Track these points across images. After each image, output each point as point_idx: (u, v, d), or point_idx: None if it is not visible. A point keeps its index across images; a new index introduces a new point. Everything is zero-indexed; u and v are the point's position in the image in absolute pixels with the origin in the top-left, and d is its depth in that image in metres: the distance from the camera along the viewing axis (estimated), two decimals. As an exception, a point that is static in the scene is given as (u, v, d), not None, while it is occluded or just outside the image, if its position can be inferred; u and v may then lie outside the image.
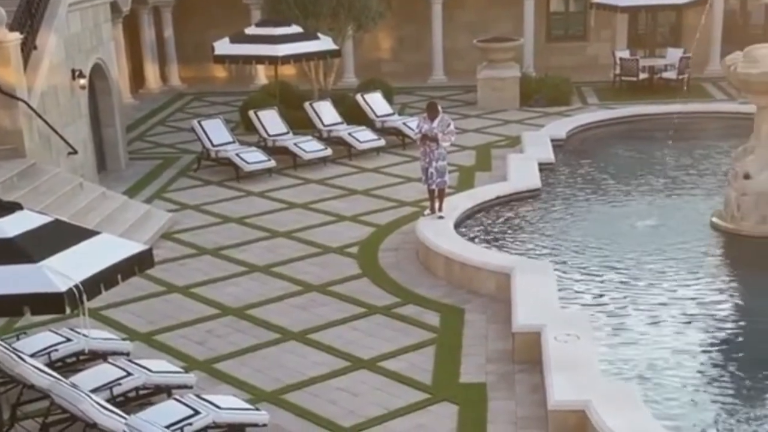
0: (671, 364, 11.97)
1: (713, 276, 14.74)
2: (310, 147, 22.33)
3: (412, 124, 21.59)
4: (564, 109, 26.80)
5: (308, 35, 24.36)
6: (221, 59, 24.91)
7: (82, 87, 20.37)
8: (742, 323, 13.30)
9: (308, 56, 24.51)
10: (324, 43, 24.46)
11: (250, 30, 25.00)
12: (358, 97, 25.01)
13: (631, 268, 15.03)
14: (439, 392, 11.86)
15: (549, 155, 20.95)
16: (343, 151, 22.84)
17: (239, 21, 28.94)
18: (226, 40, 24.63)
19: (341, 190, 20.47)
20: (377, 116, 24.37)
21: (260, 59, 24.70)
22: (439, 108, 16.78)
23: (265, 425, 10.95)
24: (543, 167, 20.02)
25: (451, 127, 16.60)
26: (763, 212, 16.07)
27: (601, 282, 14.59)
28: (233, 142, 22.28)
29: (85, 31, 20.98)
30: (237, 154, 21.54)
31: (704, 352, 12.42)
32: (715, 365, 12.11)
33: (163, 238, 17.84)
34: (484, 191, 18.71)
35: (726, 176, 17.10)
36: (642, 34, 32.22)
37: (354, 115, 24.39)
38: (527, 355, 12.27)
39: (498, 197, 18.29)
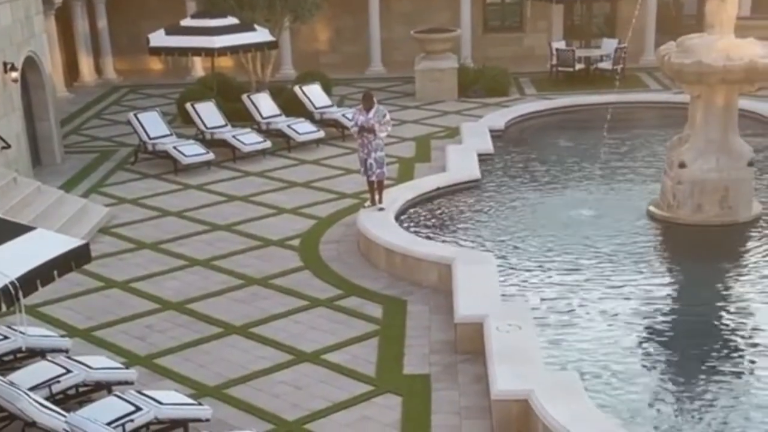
0: (612, 353, 12.08)
1: (651, 264, 14.91)
2: (248, 139, 22.19)
3: (350, 115, 21.52)
4: (502, 100, 26.94)
5: (245, 27, 24.20)
6: (157, 51, 24.64)
7: (14, 80, 19.99)
8: (680, 310, 13.52)
9: (245, 48, 24.33)
10: (261, 34, 24.31)
11: (186, 21, 24.79)
12: (297, 89, 24.91)
13: (571, 257, 15.16)
14: (383, 384, 11.87)
15: (488, 146, 21.05)
16: (282, 143, 22.72)
17: (174, 12, 28.66)
18: (162, 31, 24.37)
19: (281, 182, 20.36)
20: (316, 108, 24.28)
21: (196, 51, 24.46)
22: (374, 99, 16.74)
23: (208, 420, 10.86)
24: (482, 158, 20.12)
25: (387, 117, 16.59)
26: (698, 200, 16.28)
27: (542, 272, 14.69)
28: (170, 134, 22.05)
29: (16, 24, 20.58)
30: (175, 147, 21.32)
31: (644, 339, 12.57)
32: (654, 352, 12.26)
33: (101, 233, 17.60)
34: (424, 182, 18.74)
35: (662, 165, 17.29)
36: (578, 24, 32.48)
37: (292, 107, 24.28)
38: (470, 345, 12.32)
39: (438, 188, 18.34)
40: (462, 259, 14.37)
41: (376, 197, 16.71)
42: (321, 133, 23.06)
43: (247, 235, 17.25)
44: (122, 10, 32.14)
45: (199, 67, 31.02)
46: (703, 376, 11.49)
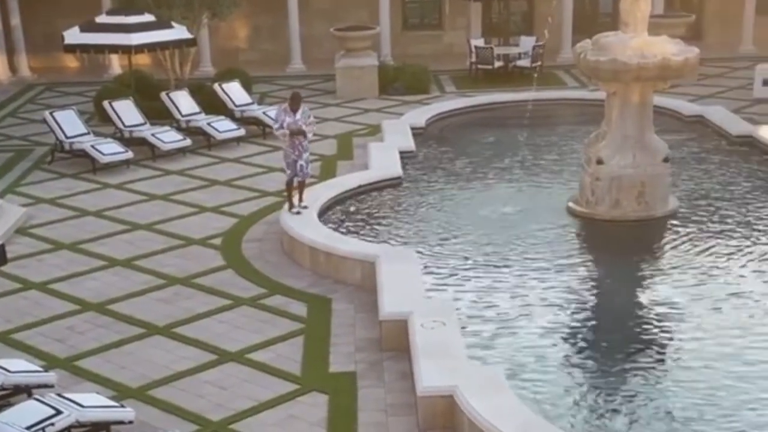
0: (534, 347, 12.25)
1: (570, 260, 15.11)
2: (168, 138, 21.94)
3: (272, 114, 21.41)
4: (423, 98, 27.05)
5: (162, 24, 23.90)
6: (72, 49, 24.22)
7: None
8: (600, 305, 13.76)
9: (162, 45, 24.07)
10: (178, 31, 24.06)
11: (101, 18, 24.38)
12: (216, 86, 24.70)
13: (493, 253, 15.33)
14: (309, 382, 11.86)
15: (409, 143, 21.15)
16: (202, 141, 22.52)
17: (90, 9, 28.13)
18: (77, 29, 23.94)
19: (202, 180, 20.19)
20: (236, 106, 24.12)
21: (113, 48, 24.02)
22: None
23: (131, 422, 10.74)
24: (404, 155, 20.20)
25: (311, 118, 16.55)
26: (615, 196, 16.55)
27: (465, 268, 14.82)
28: (88, 133, 21.67)
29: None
30: (92, 146, 20.98)
31: (564, 334, 12.75)
32: (575, 346, 12.45)
33: (18, 234, 17.26)
34: (347, 180, 18.75)
35: (581, 162, 17.55)
36: (496, 22, 32.77)
37: (212, 104, 24.07)
38: (395, 342, 12.37)
39: (360, 186, 18.36)
40: (386, 256, 14.42)
41: (295, 200, 16.55)
42: (242, 131, 22.91)
43: (169, 234, 17.08)
44: (36, 7, 31.48)
45: (116, 64, 30.54)
46: (622, 368, 11.72)
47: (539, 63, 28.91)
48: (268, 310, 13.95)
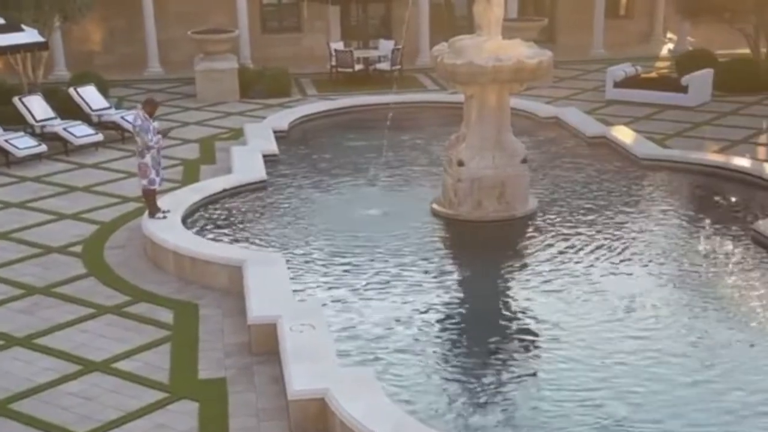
0: (404, 347, 12.37)
1: (435, 261, 15.32)
2: (22, 143, 21.27)
3: (130, 118, 21.01)
4: (284, 101, 27.03)
5: (11, 27, 23.12)
6: None
7: None
8: (465, 303, 13.97)
9: (12, 49, 23.35)
10: (29, 35, 23.34)
11: (-53, 21, 23.53)
12: (71, 90, 24.10)
13: (360, 256, 15.42)
14: (178, 390, 11.68)
15: (272, 146, 21.11)
16: (59, 146, 21.94)
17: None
18: (-77, 31, 23.02)
19: (60, 187, 19.67)
20: (93, 110, 23.57)
21: (-39, 52, 23.26)
22: None
23: (-7, 438, 10.44)
24: (267, 159, 20.15)
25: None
26: (477, 197, 16.86)
27: (332, 270, 14.86)
28: (-62, 140, 20.91)
29: None
30: (-58, 153, 20.25)
31: (433, 332, 12.90)
32: (444, 344, 12.64)
33: None
34: (210, 184, 18.57)
35: (442, 164, 17.81)
36: (355, 26, 32.96)
37: (68, 109, 23.43)
38: (265, 346, 12.32)
39: (224, 190, 18.23)
40: (252, 260, 14.36)
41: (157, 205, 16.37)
42: (99, 136, 22.42)
43: (26, 243, 16.58)
44: None
45: (-36, 69, 29.52)
46: (490, 364, 11.95)
47: (399, 66, 29.28)
48: (133, 317, 13.69)
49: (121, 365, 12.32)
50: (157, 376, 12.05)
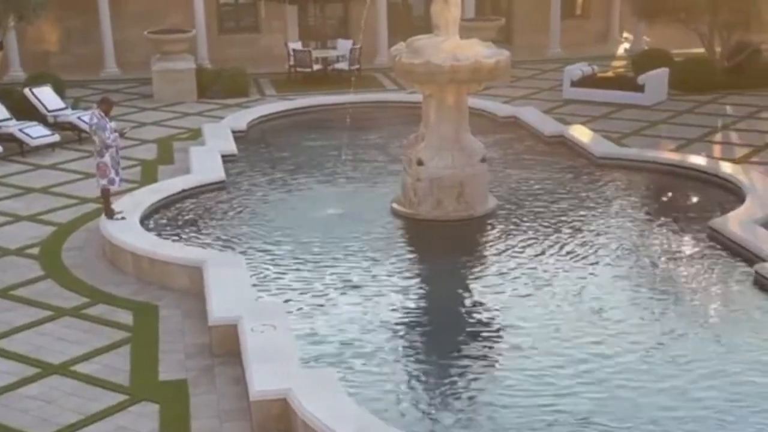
0: (366, 347, 12.37)
1: (395, 260, 15.30)
2: (-23, 145, 21.08)
3: (86, 118, 20.82)
4: (243, 101, 26.95)
5: (-36, 27, 22.94)
6: None
7: None
8: (426, 302, 14.01)
9: (-34, 49, 23.13)
10: (-17, 35, 23.14)
11: None
12: (27, 91, 23.82)
13: (321, 255, 15.39)
14: (138, 392, 11.61)
15: (231, 147, 21.05)
16: (15, 148, 21.69)
17: None
18: None
19: (16, 188, 19.46)
20: (49, 111, 23.34)
21: None
22: None
23: (-49, 443, 10.31)
24: (226, 159, 20.09)
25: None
26: (437, 196, 16.90)
27: (294, 271, 14.83)
28: None
29: None
30: None
31: (395, 332, 12.91)
32: (406, 344, 12.65)
33: None
34: (169, 185, 18.48)
35: (402, 163, 17.82)
36: (313, 25, 32.93)
37: (24, 110, 23.17)
38: (226, 347, 12.28)
39: (183, 190, 18.14)
40: (212, 261, 14.30)
41: (113, 206, 16.25)
42: (56, 137, 22.21)
43: (-18, 246, 16.44)
44: None
45: None
46: (452, 364, 11.97)
47: (357, 66, 29.29)
48: (92, 319, 13.59)
49: (81, 367, 12.23)
50: (117, 378, 11.97)
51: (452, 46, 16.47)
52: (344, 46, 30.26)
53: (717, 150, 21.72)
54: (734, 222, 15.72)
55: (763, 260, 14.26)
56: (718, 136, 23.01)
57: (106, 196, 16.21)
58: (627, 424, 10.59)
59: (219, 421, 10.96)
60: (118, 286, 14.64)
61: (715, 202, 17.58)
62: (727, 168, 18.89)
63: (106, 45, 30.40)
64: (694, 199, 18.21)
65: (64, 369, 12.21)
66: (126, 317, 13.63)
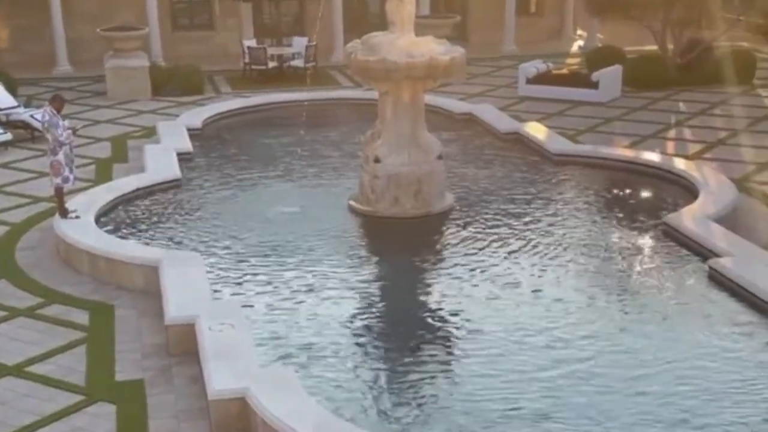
0: (325, 345, 12.34)
1: (353, 258, 15.30)
2: (-74, 144, 20.76)
3: (39, 116, 20.55)
4: (198, 99, 26.79)
5: None
6: None
7: None
8: (385, 299, 14.00)
9: None
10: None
11: None
12: (-23, 89, 23.56)
13: (278, 253, 15.35)
14: (95, 393, 11.50)
15: (186, 145, 20.91)
16: (-35, 147, 21.46)
17: None
18: None
19: (-33, 188, 19.25)
20: (0, 109, 23.03)
21: None
22: None
23: None
24: (181, 157, 19.94)
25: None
26: (394, 194, 16.90)
27: (251, 269, 14.76)
28: None
29: None
30: None
31: (353, 330, 12.91)
32: (365, 342, 12.63)
33: None
34: (123, 183, 18.32)
35: (359, 160, 17.81)
36: (268, 23, 32.82)
37: (-25, 108, 22.92)
38: (183, 347, 12.20)
39: (138, 189, 17.99)
40: (169, 260, 14.20)
41: (67, 204, 16.09)
42: (8, 136, 21.92)
43: (-68, 246, 16.19)
44: None
45: None
46: (411, 361, 11.98)
47: (313, 63, 29.24)
48: (47, 320, 13.43)
49: (36, 368, 12.09)
50: (73, 378, 11.85)
51: (407, 43, 16.47)
52: (300, 43, 30.17)
53: (671, 146, 21.94)
54: (688, 218, 15.89)
55: (717, 255, 14.43)
56: (671, 133, 23.26)
57: (59, 195, 16.04)
58: (579, 417, 10.68)
59: (177, 420, 10.88)
60: (73, 286, 14.49)
61: (670, 198, 17.76)
62: (680, 164, 19.09)
63: (58, 42, 30.07)
64: (649, 195, 18.39)
65: (18, 370, 12.06)
66: (81, 317, 13.49)
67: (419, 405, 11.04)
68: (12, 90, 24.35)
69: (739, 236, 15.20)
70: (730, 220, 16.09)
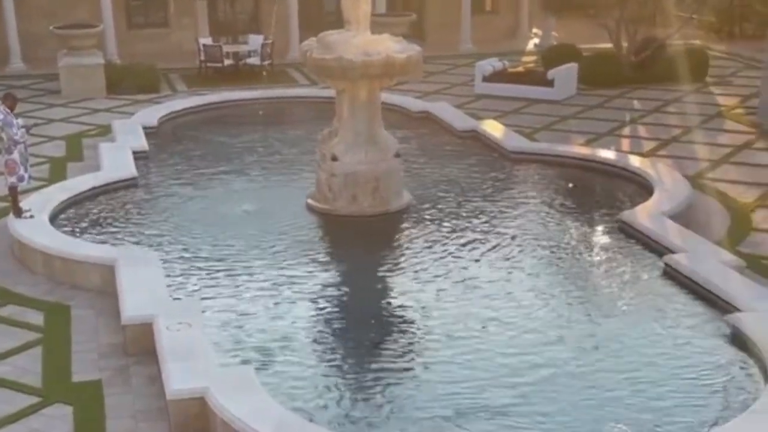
0: (285, 344, 12.32)
1: (312, 256, 15.26)
2: None
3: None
4: (153, 97, 26.58)
5: None
6: None
7: None
8: (345, 297, 13.98)
9: None
10: None
11: None
12: (-72, 87, 23.27)
13: (236, 252, 15.29)
14: (51, 394, 11.40)
15: (142, 143, 20.74)
16: None
17: None
18: None
19: None
20: (-49, 108, 22.76)
21: None
22: None
23: None
24: (137, 155, 19.79)
25: None
26: (352, 192, 16.89)
27: (208, 268, 14.68)
28: None
29: None
30: None
31: (315, 328, 12.90)
32: (325, 340, 12.63)
33: None
34: (78, 182, 18.15)
35: (316, 158, 17.78)
36: (223, 21, 32.67)
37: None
38: (141, 346, 12.12)
39: (93, 188, 17.84)
40: (125, 259, 14.10)
41: (21, 204, 15.93)
42: (-41, 134, 21.65)
43: None
44: None
45: None
46: (373, 359, 12.01)
47: (269, 61, 29.15)
48: (2, 321, 13.27)
49: (-9, 370, 11.97)
50: (29, 379, 11.73)
51: (364, 41, 16.48)
52: (255, 41, 30.06)
53: (625, 144, 22.14)
54: (643, 214, 16.04)
55: (672, 251, 14.58)
56: (626, 130, 23.47)
57: (13, 194, 15.87)
58: (544, 411, 10.77)
59: (135, 421, 10.81)
60: (27, 287, 14.34)
61: (625, 195, 17.92)
62: (635, 162, 19.27)
63: (10, 39, 29.69)
64: (604, 193, 18.52)
65: (-28, 372, 11.95)
66: (37, 318, 13.36)
67: (379, 403, 11.04)
68: (-37, 88, 24.07)
69: (693, 232, 15.39)
70: (684, 216, 16.27)
